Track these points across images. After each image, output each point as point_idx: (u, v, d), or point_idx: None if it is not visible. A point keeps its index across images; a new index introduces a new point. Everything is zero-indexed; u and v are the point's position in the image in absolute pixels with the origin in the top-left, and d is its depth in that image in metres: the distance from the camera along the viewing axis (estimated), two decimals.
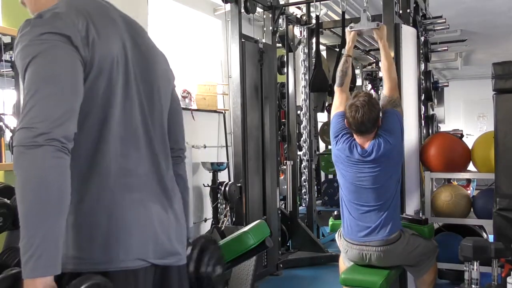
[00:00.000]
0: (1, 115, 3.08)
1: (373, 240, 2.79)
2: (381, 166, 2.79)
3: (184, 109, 4.56)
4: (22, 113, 1.02)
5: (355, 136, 2.87)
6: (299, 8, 5.68)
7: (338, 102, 3.04)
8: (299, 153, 5.43)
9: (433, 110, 5.53)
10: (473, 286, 2.76)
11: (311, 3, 5.00)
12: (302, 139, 5.35)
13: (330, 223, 3.28)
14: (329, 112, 6.89)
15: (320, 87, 4.80)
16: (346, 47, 3.23)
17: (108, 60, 1.14)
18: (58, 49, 1.06)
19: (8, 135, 3.01)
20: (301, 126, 5.37)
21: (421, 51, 4.53)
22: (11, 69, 3.06)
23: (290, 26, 5.11)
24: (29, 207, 0.98)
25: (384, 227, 2.79)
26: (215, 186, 4.38)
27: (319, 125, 6.28)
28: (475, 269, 2.75)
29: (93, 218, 1.13)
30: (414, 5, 4.17)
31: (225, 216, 4.34)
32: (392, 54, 3.49)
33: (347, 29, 3.27)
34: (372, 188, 2.81)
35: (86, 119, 1.13)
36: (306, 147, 5.33)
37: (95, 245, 1.13)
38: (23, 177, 0.99)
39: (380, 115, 2.85)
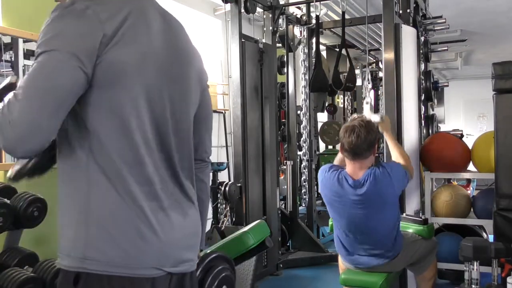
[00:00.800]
0: None
1: (374, 265, 2.77)
2: (373, 205, 2.64)
3: None
4: (12, 96, 1.03)
5: (348, 163, 2.71)
6: (299, 8, 5.68)
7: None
8: (299, 153, 5.43)
9: (433, 110, 5.54)
10: (473, 286, 2.76)
11: (311, 3, 5.00)
12: (302, 139, 5.35)
13: (330, 223, 3.27)
14: (329, 112, 6.92)
15: (320, 87, 4.80)
16: None
17: (124, 67, 1.11)
18: (67, 56, 1.04)
19: None
20: (301, 126, 5.37)
21: (421, 51, 4.53)
22: (11, 69, 3.06)
23: (290, 26, 5.11)
24: None
25: (385, 257, 2.74)
26: (215, 186, 4.38)
27: (319, 125, 6.28)
28: (475, 269, 2.76)
29: (110, 224, 1.12)
30: (414, 5, 4.17)
31: (225, 216, 4.34)
32: (392, 54, 3.49)
33: None
34: (367, 231, 2.69)
35: (94, 125, 1.11)
36: (306, 147, 5.33)
37: (114, 249, 1.11)
38: None
39: (377, 140, 2.72)
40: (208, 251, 1.67)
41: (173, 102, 1.23)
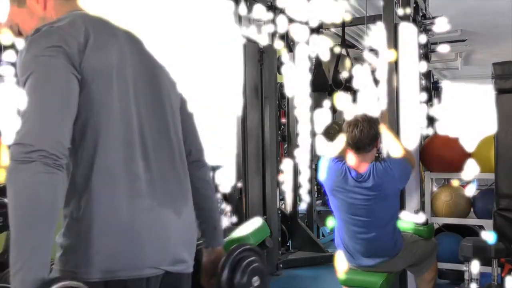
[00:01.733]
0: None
1: (374, 265, 2.78)
2: (375, 198, 2.67)
3: None
4: (19, 128, 1.05)
5: (352, 155, 2.75)
6: None
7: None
8: None
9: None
10: (473, 286, 2.76)
11: None
12: None
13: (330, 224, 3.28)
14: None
15: (320, 87, 4.80)
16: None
17: (106, 68, 1.15)
18: (53, 65, 1.09)
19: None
20: None
21: (421, 51, 4.53)
22: None
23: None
24: (20, 222, 1.00)
25: (385, 253, 2.76)
26: (215, 186, 4.38)
27: None
28: (475, 269, 2.76)
29: (102, 227, 1.12)
30: (414, 5, 4.17)
31: (225, 216, 4.33)
32: (392, 54, 3.49)
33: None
34: (368, 223, 2.70)
35: (85, 127, 1.14)
36: None
37: (106, 254, 1.12)
38: (15, 192, 1.01)
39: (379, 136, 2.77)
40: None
41: (160, 106, 1.27)
